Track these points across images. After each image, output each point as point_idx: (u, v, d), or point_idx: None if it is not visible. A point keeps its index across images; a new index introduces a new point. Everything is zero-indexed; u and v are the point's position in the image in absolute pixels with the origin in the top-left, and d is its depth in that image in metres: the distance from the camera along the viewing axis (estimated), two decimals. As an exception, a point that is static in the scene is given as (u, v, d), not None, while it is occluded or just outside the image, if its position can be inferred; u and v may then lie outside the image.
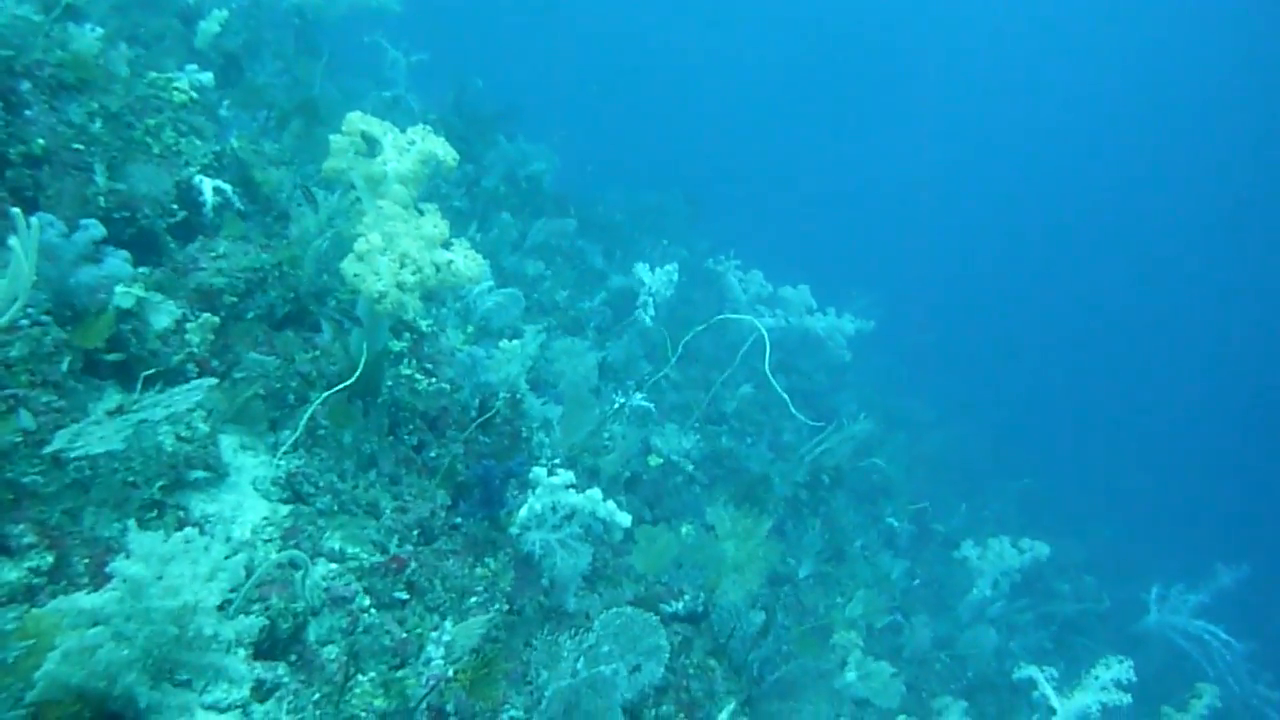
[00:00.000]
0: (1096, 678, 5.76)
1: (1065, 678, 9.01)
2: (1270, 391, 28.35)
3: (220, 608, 2.28)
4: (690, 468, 6.93)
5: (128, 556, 2.19)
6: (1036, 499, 13.37)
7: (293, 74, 7.53)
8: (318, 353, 4.16)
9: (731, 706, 3.92)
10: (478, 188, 8.80)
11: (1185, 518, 17.88)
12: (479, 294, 6.39)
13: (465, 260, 3.66)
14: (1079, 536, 13.34)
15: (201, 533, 2.37)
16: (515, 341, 5.08)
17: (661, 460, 6.65)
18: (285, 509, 3.50)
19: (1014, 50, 36.96)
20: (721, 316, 6.20)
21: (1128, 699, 5.52)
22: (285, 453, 3.67)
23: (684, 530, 5.51)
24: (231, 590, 2.35)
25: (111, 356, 3.27)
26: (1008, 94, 37.74)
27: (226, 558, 2.31)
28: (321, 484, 3.62)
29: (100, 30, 4.44)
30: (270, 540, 3.34)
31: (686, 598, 4.60)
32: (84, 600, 2.14)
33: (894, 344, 13.95)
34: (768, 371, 4.94)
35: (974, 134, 36.98)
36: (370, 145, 3.82)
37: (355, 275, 3.48)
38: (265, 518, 3.40)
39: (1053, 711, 5.76)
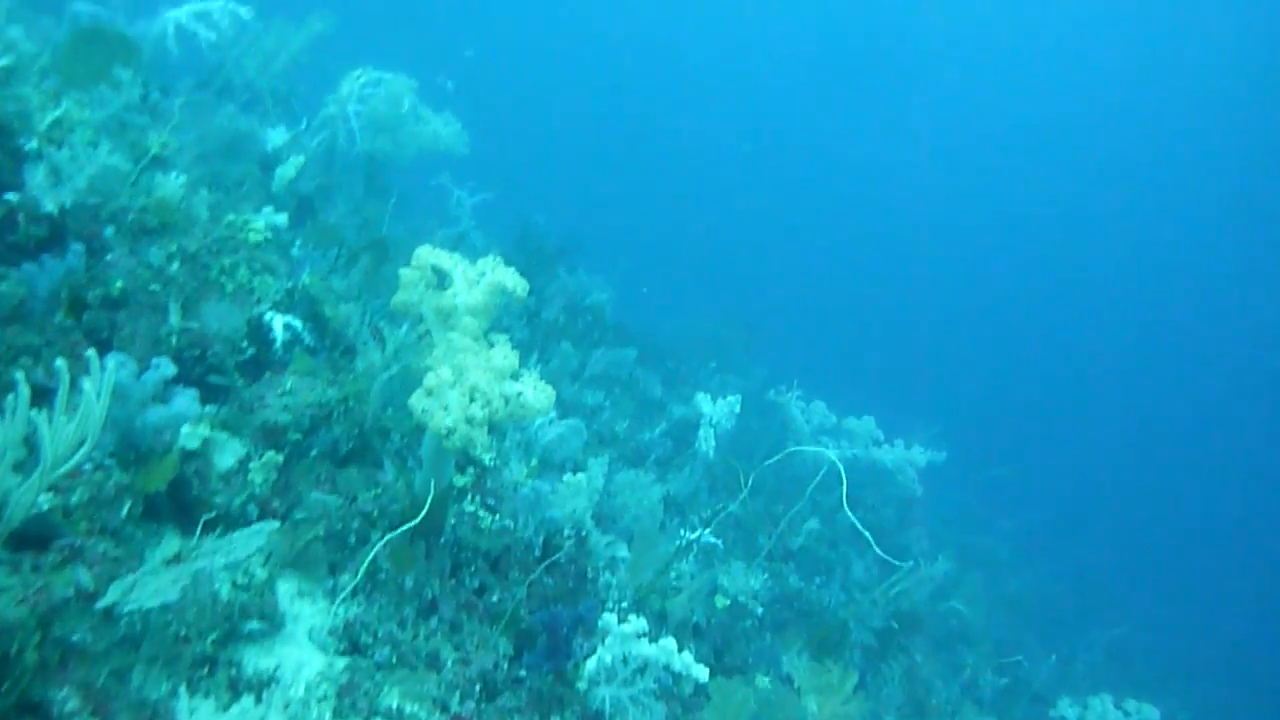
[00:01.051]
0: None
1: None
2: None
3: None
4: (760, 610, 6.52)
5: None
6: (1128, 649, 12.40)
7: (362, 214, 7.77)
8: (380, 490, 4.02)
9: None
10: (538, 319, 8.84)
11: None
12: (541, 426, 6.27)
13: (535, 392, 3.54)
14: (1183, 696, 12.23)
15: (257, 701, 2.16)
16: (580, 475, 4.89)
17: (729, 601, 6.27)
18: (342, 662, 3.27)
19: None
20: (792, 449, 5.95)
21: None
22: (344, 600, 3.47)
23: (760, 682, 5.10)
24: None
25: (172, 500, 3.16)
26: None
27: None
28: (380, 633, 3.39)
29: (184, 178, 4.59)
30: (325, 699, 3.10)
31: (767, 763, 4.18)
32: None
33: (965, 477, 13.42)
34: (846, 506, 4.66)
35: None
36: (440, 279, 3.79)
37: (424, 411, 3.36)
38: (320, 673, 3.17)
39: None
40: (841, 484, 5.45)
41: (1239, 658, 15.41)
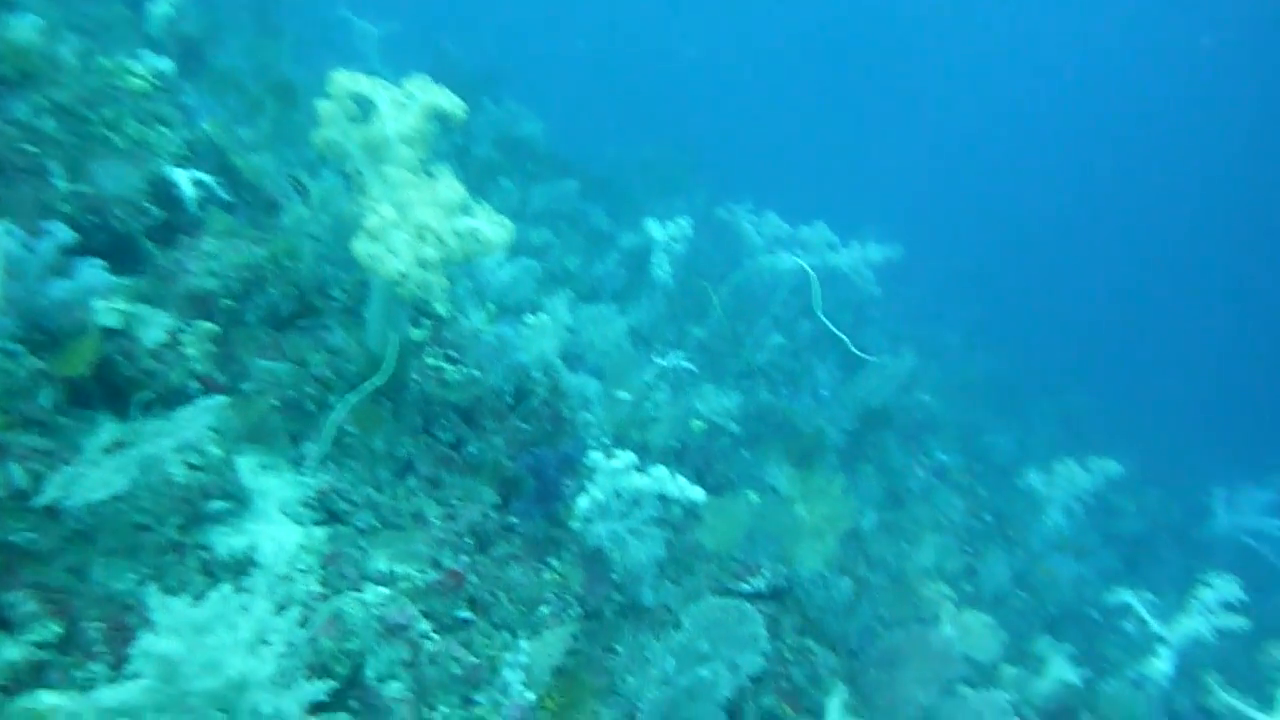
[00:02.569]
0: (1201, 600, 5.37)
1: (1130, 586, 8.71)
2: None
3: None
4: (735, 428, 6.50)
5: (152, 629, 1.77)
6: (1081, 415, 12.95)
7: (257, 57, 6.99)
8: (332, 352, 3.72)
9: (842, 694, 3.53)
10: (469, 156, 8.27)
11: (1237, 417, 17.51)
12: (491, 268, 5.93)
13: (491, 225, 3.20)
14: (1131, 448, 12.97)
15: (236, 581, 1.94)
16: (543, 315, 4.62)
17: (705, 424, 6.22)
18: (321, 532, 3.07)
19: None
20: (756, 263, 5.73)
21: (1244, 622, 5.13)
22: (313, 469, 3.23)
23: (749, 496, 5.09)
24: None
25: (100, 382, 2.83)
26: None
27: (277, 611, 1.89)
28: (358, 499, 3.19)
29: (40, 20, 3.93)
30: (309, 570, 2.91)
31: (766, 572, 4.19)
32: (105, 696, 1.72)
33: (917, 273, 13.43)
34: (819, 313, 4.51)
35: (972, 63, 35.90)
36: (363, 110, 3.35)
37: (370, 257, 3.01)
38: (300, 545, 2.97)
39: (1160, 639, 5.38)
40: (812, 289, 5.28)
41: (1173, 410, 16.36)
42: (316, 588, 2.86)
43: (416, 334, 4.28)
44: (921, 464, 8.83)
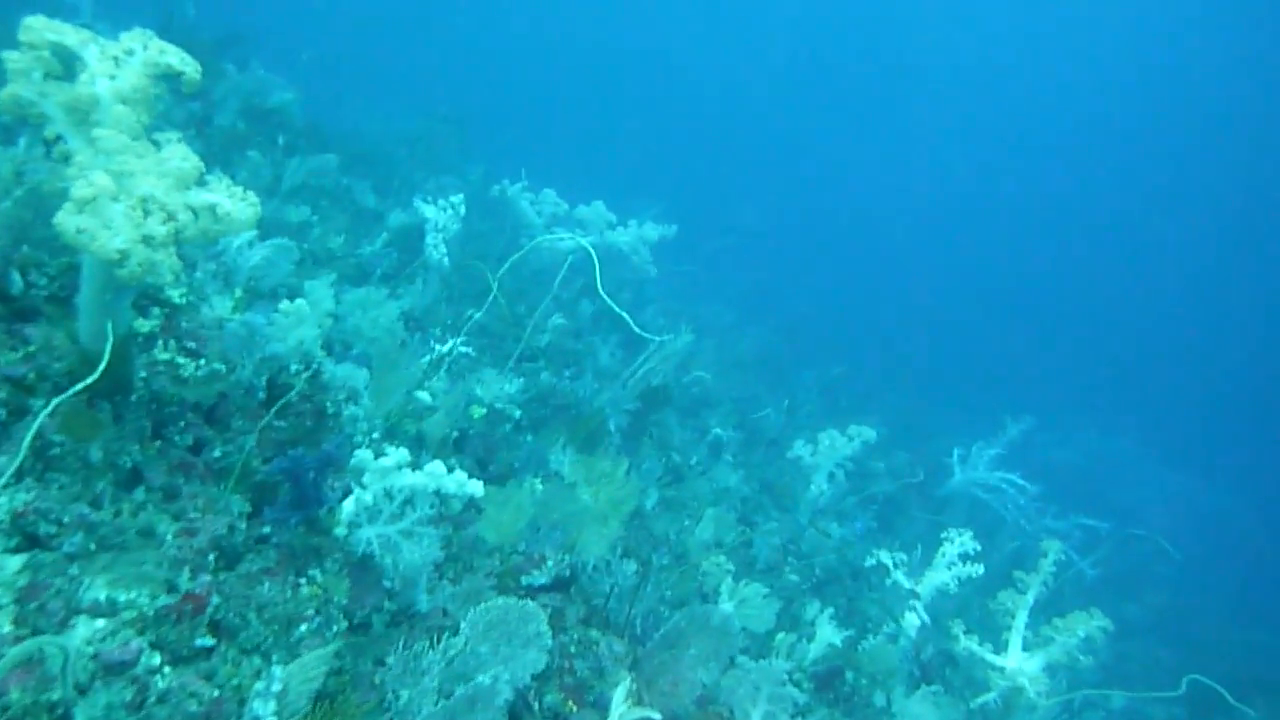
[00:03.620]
0: (944, 554, 5.89)
1: (885, 545, 9.52)
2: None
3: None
4: (517, 413, 6.32)
5: None
6: (837, 384, 13.95)
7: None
8: (32, 348, 3.14)
9: (626, 682, 3.47)
10: (211, 127, 7.45)
11: (967, 381, 19.59)
12: (239, 248, 5.34)
13: (233, 201, 2.81)
14: (881, 414, 14.18)
15: None
16: (300, 300, 4.20)
17: (485, 410, 5.99)
18: (16, 561, 2.57)
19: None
20: (535, 242, 5.59)
21: (979, 569, 5.68)
22: (5, 487, 2.70)
23: (531, 484, 4.94)
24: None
25: None
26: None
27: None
28: (67, 519, 2.70)
29: None
30: (1, 607, 2.43)
31: (549, 563, 4.06)
32: None
33: (690, 251, 13.84)
34: (603, 293, 4.44)
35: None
36: (68, 66, 2.82)
37: (79, 232, 2.52)
38: (-12, 582, 2.47)
39: (911, 594, 5.84)
40: (593, 269, 5.20)
41: (915, 378, 18.11)
42: (7, 628, 2.38)
43: (145, 324, 3.73)
44: (700, 440, 9.10)
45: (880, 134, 37.60)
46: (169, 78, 2.97)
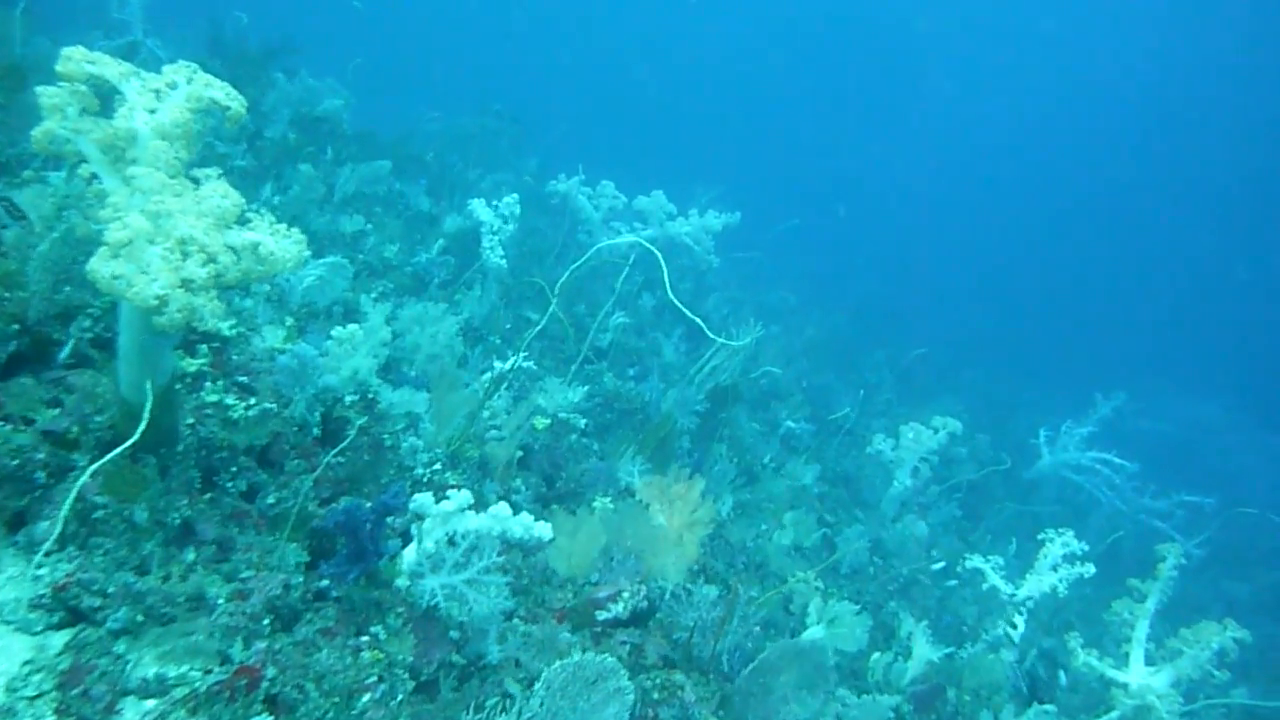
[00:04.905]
0: (1047, 556, 5.46)
1: (974, 541, 9.03)
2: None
3: None
4: (582, 422, 6.07)
5: None
6: (912, 366, 13.41)
7: (-18, 29, 5.82)
8: (75, 397, 2.98)
9: (717, 729, 3.19)
10: (262, 140, 7.34)
11: (1042, 353, 18.80)
12: (294, 270, 5.17)
13: (277, 239, 2.58)
14: (955, 392, 13.61)
15: None
16: (354, 326, 3.99)
17: (549, 420, 5.75)
18: (59, 639, 2.40)
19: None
20: (598, 246, 5.34)
21: (1090, 569, 5.23)
22: (46, 556, 2.54)
23: (600, 505, 4.69)
24: None
25: None
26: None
27: None
28: (111, 589, 2.52)
29: None
30: (40, 695, 2.26)
31: (625, 594, 3.79)
32: None
33: (754, 236, 13.40)
34: (673, 297, 4.16)
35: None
36: (105, 100, 2.63)
37: (114, 278, 2.32)
38: (27, 662, 2.30)
39: (1011, 600, 5.43)
40: (655, 263, 4.90)
41: (998, 357, 17.38)
42: (51, 718, 2.21)
43: (192, 364, 3.57)
44: (771, 434, 8.74)
45: (948, 103, 36.35)
46: (211, 110, 2.75)
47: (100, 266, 2.34)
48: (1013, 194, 32.63)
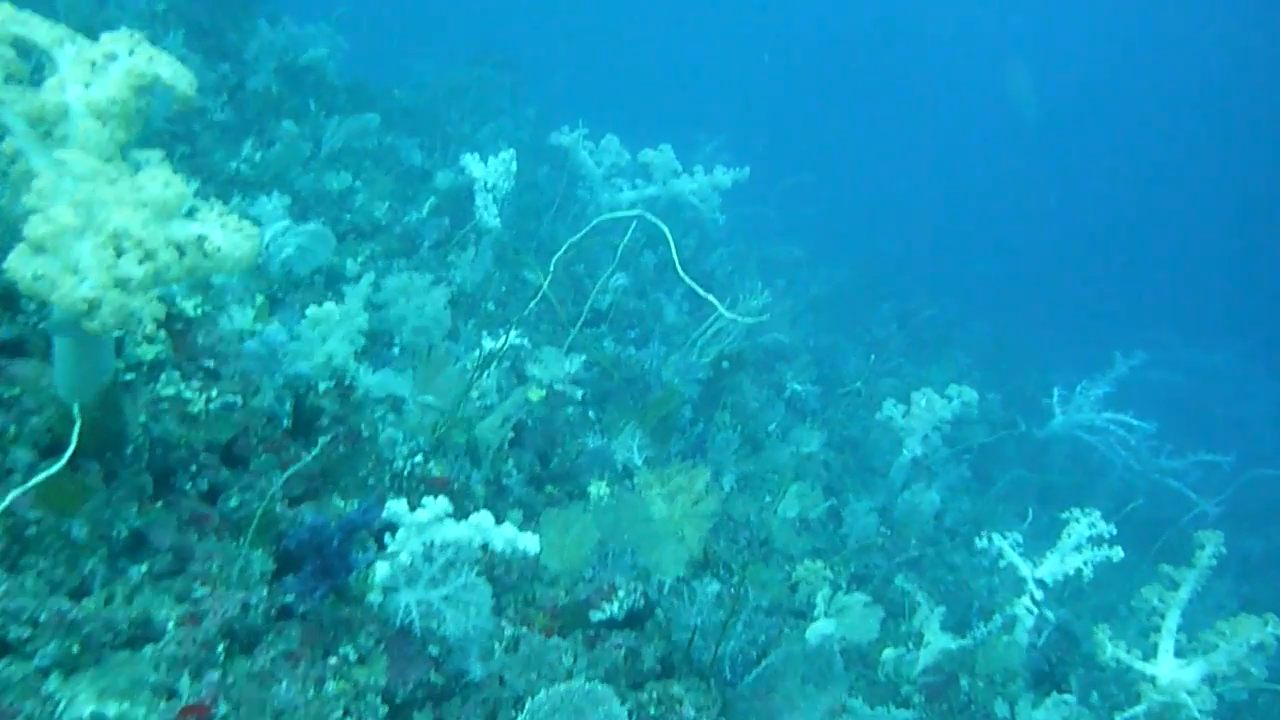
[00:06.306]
0: (1070, 535, 5.20)
1: (980, 512, 8.78)
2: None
3: None
4: (579, 393, 5.80)
5: None
6: (921, 320, 13.08)
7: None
8: (17, 390, 2.71)
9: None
10: (243, 92, 6.95)
11: (1050, 303, 18.44)
12: (273, 239, 4.86)
13: (226, 233, 2.25)
14: (964, 345, 13.30)
15: None
16: (329, 305, 3.69)
17: (543, 392, 5.46)
18: (-16, 680, 2.16)
19: None
20: (603, 219, 5.06)
21: (1118, 553, 4.97)
22: (-25, 583, 2.28)
23: (597, 490, 4.44)
24: None
25: None
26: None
27: None
28: (44, 618, 2.27)
29: None
30: (-36, 747, 2.03)
31: (620, 593, 3.55)
32: None
33: (760, 189, 12.97)
34: (684, 276, 3.87)
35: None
36: (33, 66, 2.30)
37: (36, 278, 2.02)
38: (-50, 710, 2.07)
39: (1035, 583, 5.18)
40: (658, 222, 4.60)
41: (1002, 303, 17.03)
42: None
43: (149, 350, 3.28)
44: (776, 397, 8.46)
45: (956, 58, 35.25)
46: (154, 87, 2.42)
47: (20, 265, 2.03)
48: (1021, 142, 31.86)
